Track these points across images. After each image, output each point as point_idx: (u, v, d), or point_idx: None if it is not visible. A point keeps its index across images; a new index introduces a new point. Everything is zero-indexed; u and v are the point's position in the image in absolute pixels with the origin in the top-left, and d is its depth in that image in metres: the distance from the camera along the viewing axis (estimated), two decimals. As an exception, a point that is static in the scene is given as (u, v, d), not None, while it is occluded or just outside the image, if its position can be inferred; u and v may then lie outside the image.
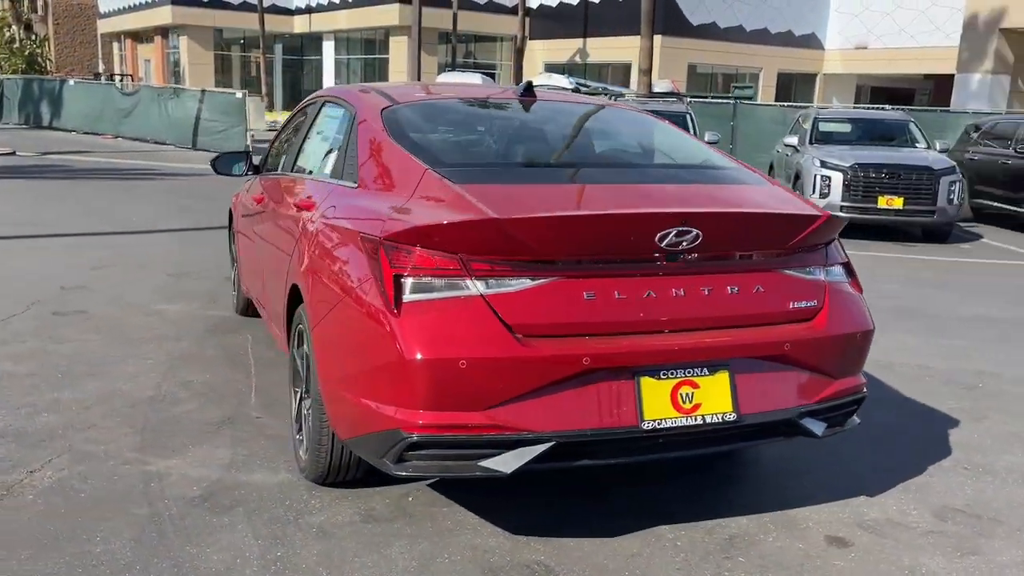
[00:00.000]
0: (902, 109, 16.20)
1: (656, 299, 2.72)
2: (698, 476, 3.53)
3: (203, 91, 21.16)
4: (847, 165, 10.89)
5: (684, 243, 2.68)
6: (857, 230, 10.92)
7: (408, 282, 2.65)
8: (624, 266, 2.71)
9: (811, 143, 11.95)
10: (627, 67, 32.77)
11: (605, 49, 34.32)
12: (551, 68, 32.57)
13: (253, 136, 18.79)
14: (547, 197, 2.90)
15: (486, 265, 2.63)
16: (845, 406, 3.07)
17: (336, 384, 2.95)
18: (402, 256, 2.68)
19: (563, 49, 36.21)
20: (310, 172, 4.09)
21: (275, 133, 5.31)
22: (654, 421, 2.66)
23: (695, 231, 2.67)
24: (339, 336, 2.94)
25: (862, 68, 37.32)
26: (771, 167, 13.78)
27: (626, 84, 29.79)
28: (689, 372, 2.71)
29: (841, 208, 10.50)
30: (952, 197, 10.88)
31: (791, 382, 2.89)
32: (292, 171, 4.35)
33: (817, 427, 2.94)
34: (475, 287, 2.62)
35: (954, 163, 11.37)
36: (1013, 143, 12.42)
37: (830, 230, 3.01)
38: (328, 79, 41.53)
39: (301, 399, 3.40)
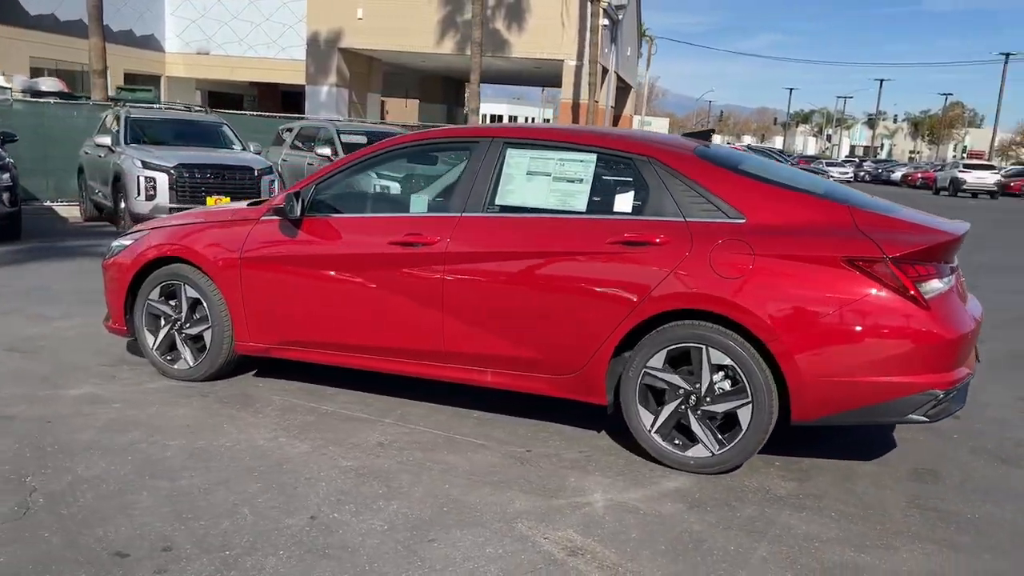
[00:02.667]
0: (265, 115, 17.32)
1: None
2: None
3: None
4: (171, 166, 10.55)
5: None
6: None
7: (923, 286, 3.65)
8: None
9: (127, 143, 11.25)
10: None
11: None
12: None
13: None
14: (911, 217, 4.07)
15: (933, 269, 3.78)
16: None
17: (840, 376, 3.65)
18: (908, 268, 3.65)
19: None
20: (551, 211, 4.19)
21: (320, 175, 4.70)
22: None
23: None
24: (830, 340, 3.66)
25: (204, 73, 38.46)
26: (80, 169, 13.01)
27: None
28: None
29: (171, 210, 9.93)
30: (272, 195, 10.69)
31: None
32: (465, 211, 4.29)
33: None
34: (939, 285, 3.76)
35: (271, 164, 12.12)
36: (314, 146, 13.43)
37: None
38: None
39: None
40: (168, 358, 5.07)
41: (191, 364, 4.99)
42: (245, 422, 4.36)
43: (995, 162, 53.61)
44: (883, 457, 4.28)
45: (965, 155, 70.05)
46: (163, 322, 5.04)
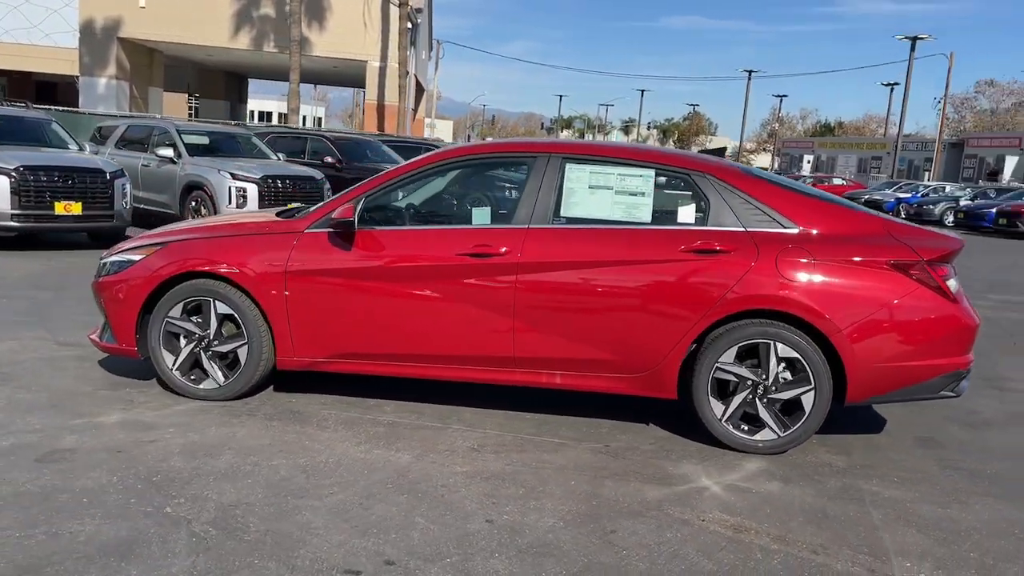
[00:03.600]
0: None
1: None
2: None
3: None
4: (12, 168, 9.46)
5: None
6: (27, 242, 10.13)
7: (949, 283, 4.38)
8: None
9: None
10: None
11: None
12: None
13: None
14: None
15: (950, 269, 4.53)
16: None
17: (890, 362, 4.27)
18: (938, 269, 4.36)
19: None
20: (617, 223, 4.55)
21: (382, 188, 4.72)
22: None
23: None
24: (881, 331, 4.27)
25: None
26: None
27: None
28: None
29: (12, 217, 9.41)
30: (125, 200, 10.52)
31: None
32: (539, 222, 4.53)
33: None
34: (955, 283, 4.51)
35: (121, 166, 11.13)
36: (149, 147, 12.87)
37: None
38: None
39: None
40: (192, 378, 4.83)
41: (221, 383, 4.79)
42: (322, 438, 4.30)
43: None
44: (885, 430, 5.03)
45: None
46: (184, 340, 4.80)
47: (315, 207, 4.93)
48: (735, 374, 4.41)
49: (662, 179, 4.67)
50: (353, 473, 3.86)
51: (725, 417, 4.44)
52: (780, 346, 4.35)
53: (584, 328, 4.49)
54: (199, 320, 4.79)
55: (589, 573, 3.09)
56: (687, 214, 4.58)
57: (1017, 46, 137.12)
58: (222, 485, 3.63)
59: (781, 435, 4.40)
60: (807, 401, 4.37)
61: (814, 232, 4.43)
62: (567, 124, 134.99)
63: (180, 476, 3.71)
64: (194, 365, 4.85)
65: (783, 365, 4.39)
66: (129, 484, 3.59)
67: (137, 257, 4.89)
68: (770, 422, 4.41)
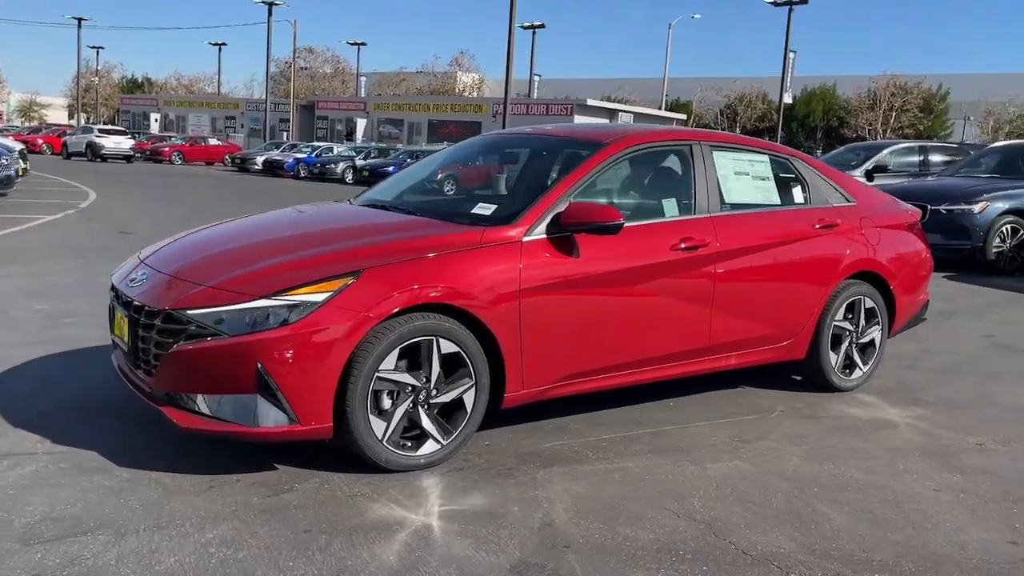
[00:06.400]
0: None
1: None
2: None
3: None
4: None
5: None
6: None
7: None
8: None
9: None
10: None
11: None
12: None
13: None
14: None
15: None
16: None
17: (912, 297, 5.45)
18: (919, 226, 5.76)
19: None
20: (756, 206, 4.85)
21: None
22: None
23: None
24: (911, 276, 5.45)
25: None
26: None
27: None
28: None
29: None
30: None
31: None
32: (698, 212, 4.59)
33: None
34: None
35: None
36: None
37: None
38: None
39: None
40: (407, 446, 3.65)
41: (444, 442, 3.73)
42: (634, 470, 3.81)
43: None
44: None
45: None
46: (392, 398, 3.59)
47: (523, 208, 4.05)
48: (844, 329, 5.21)
49: (774, 164, 5.13)
50: (774, 490, 3.64)
51: (838, 366, 5.23)
52: (866, 300, 5.29)
53: (758, 307, 4.77)
54: (415, 369, 3.62)
55: None
56: (799, 195, 5.15)
57: (337, 16, 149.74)
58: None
59: (864, 372, 5.38)
60: (878, 340, 5.42)
61: (864, 205, 5.44)
62: None
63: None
64: (407, 428, 3.66)
65: (866, 313, 5.33)
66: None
67: (320, 297, 3.41)
68: (860, 364, 5.33)
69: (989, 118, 54.79)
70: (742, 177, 4.91)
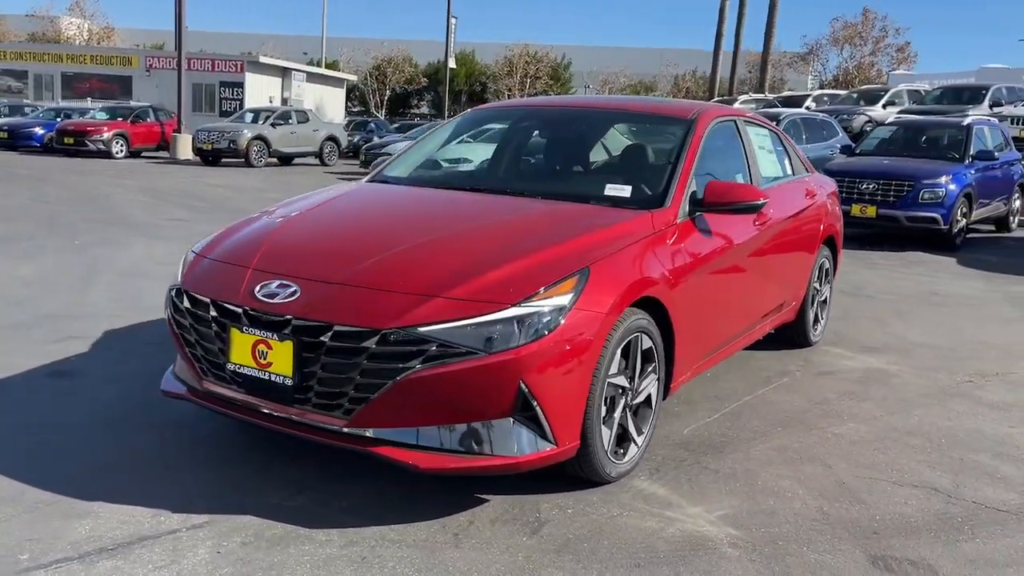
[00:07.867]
0: None
1: None
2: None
3: None
4: None
5: None
6: None
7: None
8: None
9: None
10: None
11: None
12: None
13: None
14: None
15: None
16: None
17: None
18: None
19: None
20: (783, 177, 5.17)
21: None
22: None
23: None
24: (841, 241, 6.09)
25: None
26: None
27: None
28: None
29: None
30: None
31: None
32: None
33: None
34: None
35: None
36: None
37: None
38: None
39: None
40: (619, 452, 3.37)
41: (640, 444, 3.50)
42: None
43: None
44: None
45: None
46: (613, 403, 3.30)
47: (667, 190, 3.84)
48: (817, 289, 5.69)
49: (772, 138, 5.38)
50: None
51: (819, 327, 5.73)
52: (826, 262, 5.82)
53: (786, 274, 5.08)
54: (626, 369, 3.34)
55: None
56: (787, 166, 5.48)
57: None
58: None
59: (823, 322, 5.94)
60: (828, 292, 6.00)
61: (815, 176, 5.96)
62: None
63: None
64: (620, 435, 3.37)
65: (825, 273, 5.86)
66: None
67: (566, 300, 2.98)
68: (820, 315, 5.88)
69: (605, 87, 61.00)
70: (762, 151, 5.13)
